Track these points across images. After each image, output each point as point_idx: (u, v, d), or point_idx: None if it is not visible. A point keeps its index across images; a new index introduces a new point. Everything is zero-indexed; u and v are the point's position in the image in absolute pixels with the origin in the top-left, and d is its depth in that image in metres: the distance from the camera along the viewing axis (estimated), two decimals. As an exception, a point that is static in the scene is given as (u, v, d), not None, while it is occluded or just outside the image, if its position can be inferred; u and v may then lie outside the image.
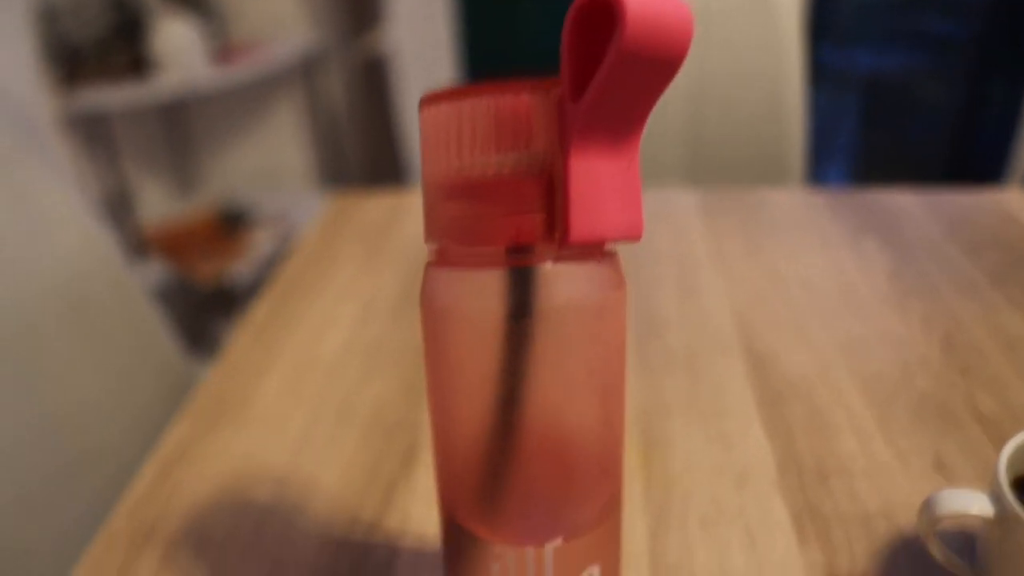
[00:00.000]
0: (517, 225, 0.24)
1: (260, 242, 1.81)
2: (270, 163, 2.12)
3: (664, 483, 0.45)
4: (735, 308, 0.62)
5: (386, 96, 2.02)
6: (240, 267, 1.73)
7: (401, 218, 0.82)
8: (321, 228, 0.80)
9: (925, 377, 0.53)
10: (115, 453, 0.73)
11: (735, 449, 0.48)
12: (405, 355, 0.59)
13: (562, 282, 0.24)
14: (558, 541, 0.29)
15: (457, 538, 0.31)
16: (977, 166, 2.15)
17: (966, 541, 0.40)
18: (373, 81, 2.00)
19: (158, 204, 2.01)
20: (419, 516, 0.44)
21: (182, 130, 2.06)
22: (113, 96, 1.61)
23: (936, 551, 0.36)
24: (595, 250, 0.25)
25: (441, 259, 0.26)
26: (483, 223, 0.25)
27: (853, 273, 0.66)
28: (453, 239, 0.25)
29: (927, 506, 0.35)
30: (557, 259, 0.24)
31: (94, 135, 1.78)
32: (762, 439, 0.48)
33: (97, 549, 0.43)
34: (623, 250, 0.72)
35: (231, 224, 1.85)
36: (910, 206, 0.78)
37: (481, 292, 0.25)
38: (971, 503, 0.34)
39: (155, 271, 1.73)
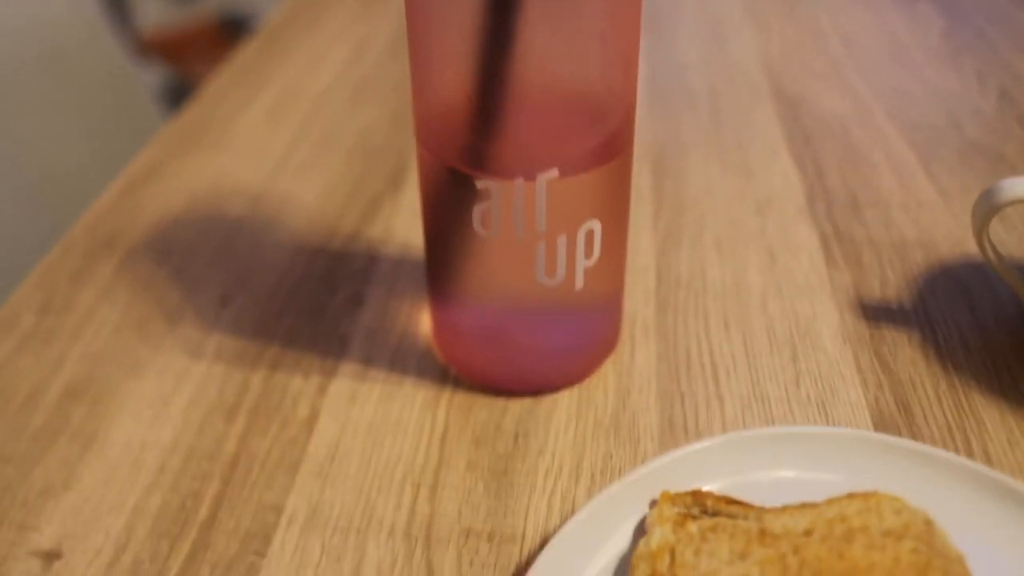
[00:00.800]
0: None
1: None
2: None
3: (676, 207, 0.41)
4: (766, 57, 0.55)
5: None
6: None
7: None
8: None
9: (977, 126, 0.47)
10: (84, 182, 0.69)
11: (758, 179, 0.43)
12: (397, 90, 0.53)
13: None
14: (552, 173, 0.24)
15: (435, 181, 0.26)
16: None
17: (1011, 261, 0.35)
18: None
19: (157, 8, 1.91)
20: (404, 229, 0.40)
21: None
22: None
23: (989, 251, 0.31)
24: None
25: None
26: None
27: (902, 30, 0.59)
28: None
29: (988, 194, 0.29)
30: None
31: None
32: (790, 170, 0.43)
33: (52, 256, 0.39)
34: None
35: (233, 30, 1.76)
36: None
37: None
38: (1041, 187, 0.29)
39: (155, 76, 1.66)
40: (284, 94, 0.53)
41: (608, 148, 0.25)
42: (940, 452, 0.25)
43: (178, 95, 1.65)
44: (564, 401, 0.30)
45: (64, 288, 0.37)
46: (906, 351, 0.32)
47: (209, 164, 0.46)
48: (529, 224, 0.25)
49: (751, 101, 0.50)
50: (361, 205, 0.42)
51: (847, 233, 0.38)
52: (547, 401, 0.30)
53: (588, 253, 0.27)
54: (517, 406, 0.30)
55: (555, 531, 0.25)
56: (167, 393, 0.31)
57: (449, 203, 0.26)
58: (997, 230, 0.38)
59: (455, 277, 0.28)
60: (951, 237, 0.38)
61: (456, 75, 0.23)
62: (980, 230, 0.30)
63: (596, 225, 0.26)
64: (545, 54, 0.22)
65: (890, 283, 0.35)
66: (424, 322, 0.34)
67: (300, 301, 0.35)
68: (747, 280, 0.36)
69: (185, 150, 0.47)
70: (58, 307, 0.36)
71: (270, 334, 0.34)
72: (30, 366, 0.33)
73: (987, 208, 0.29)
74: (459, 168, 0.25)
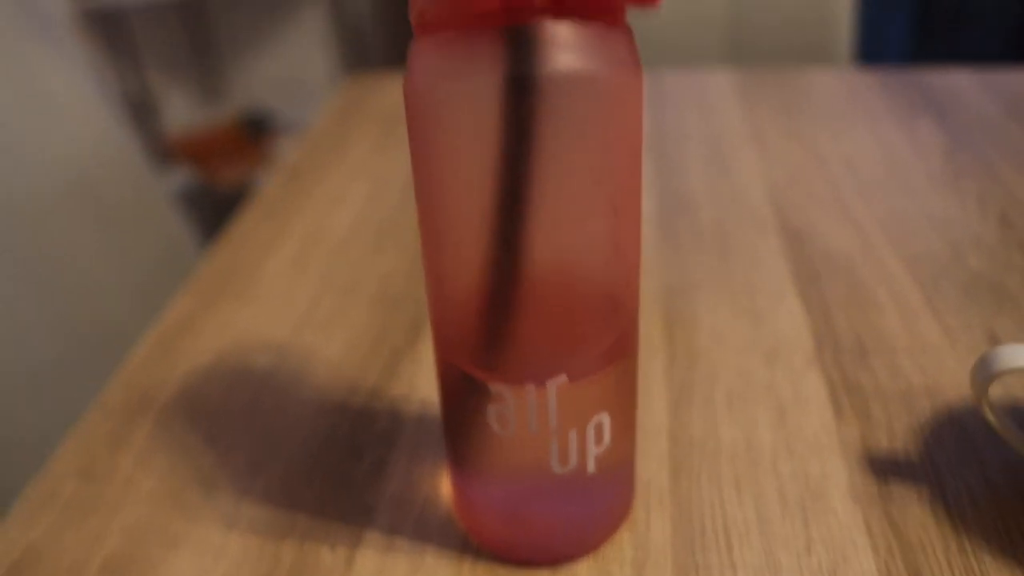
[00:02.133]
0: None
1: (284, 148, 1.77)
2: (294, 69, 2.07)
3: (688, 358, 0.42)
4: (771, 186, 0.57)
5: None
6: (264, 174, 1.70)
7: (419, 101, 0.77)
8: (336, 109, 0.76)
9: (978, 256, 0.48)
10: (122, 331, 0.71)
11: (767, 324, 0.44)
12: (413, 234, 0.55)
13: (565, 42, 0.20)
14: (562, 379, 0.26)
15: (452, 384, 0.28)
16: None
17: (1016, 414, 0.36)
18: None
19: (182, 111, 1.98)
20: (424, 385, 0.41)
21: (205, 35, 2.01)
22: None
23: (989, 413, 0.32)
24: (603, 11, 0.21)
25: (426, 27, 0.22)
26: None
27: (903, 153, 0.61)
28: (438, 1, 0.21)
29: (983, 362, 0.31)
30: (559, 15, 0.20)
31: (113, 35, 1.74)
32: (797, 314, 0.44)
33: (89, 419, 0.41)
34: (652, 131, 0.67)
35: (254, 131, 1.82)
36: (969, 86, 0.71)
37: (473, 58, 0.21)
38: (1035, 360, 0.30)
39: (180, 177, 1.71)
40: (307, 238, 0.55)
41: (613, 351, 0.26)
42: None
43: (201, 197, 1.70)
44: (582, 572, 0.31)
45: (103, 453, 0.39)
46: (915, 511, 0.33)
47: (237, 316, 0.48)
48: (541, 423, 0.27)
49: (758, 236, 0.52)
50: (382, 359, 0.43)
51: (854, 382, 0.39)
52: (564, 573, 0.31)
53: (598, 442, 0.28)
54: (536, 583, 0.31)
55: None
56: (205, 569, 0.32)
57: (465, 401, 0.28)
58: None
59: (472, 463, 0.29)
60: (956, 382, 0.39)
61: (467, 291, 0.25)
62: (979, 398, 0.31)
63: (605, 418, 0.28)
64: (552, 264, 0.24)
65: (897, 436, 0.36)
66: (445, 488, 0.35)
67: (326, 467, 0.37)
68: (758, 438, 0.37)
69: (214, 300, 0.50)
70: (98, 474, 0.37)
71: (299, 503, 0.35)
72: (72, 540, 0.34)
73: (983, 378, 0.31)
74: (473, 374, 0.26)
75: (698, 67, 1.08)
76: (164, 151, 1.79)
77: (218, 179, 1.68)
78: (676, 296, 0.47)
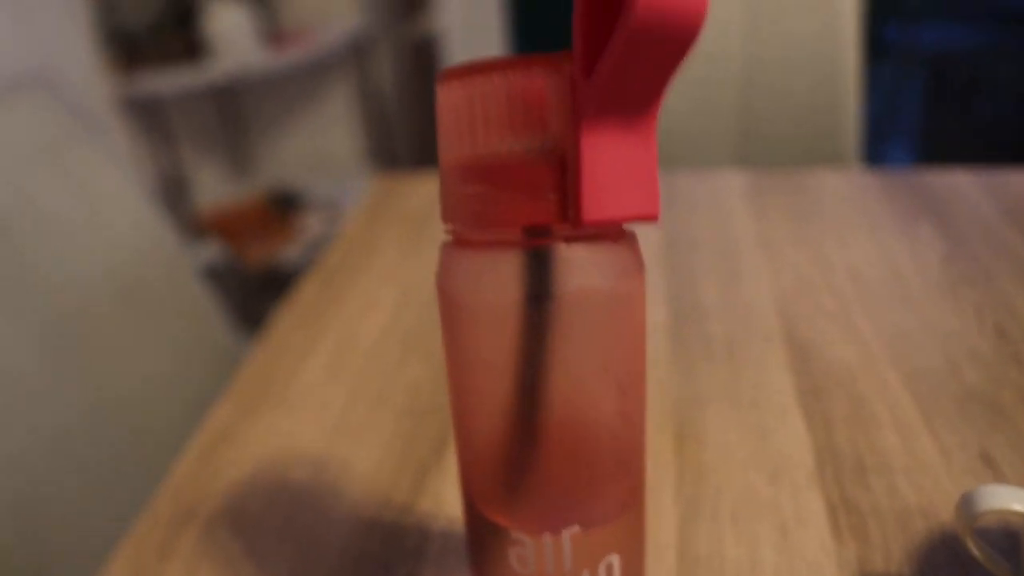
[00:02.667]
0: (531, 206, 0.24)
1: (310, 225, 1.83)
2: (321, 147, 2.15)
3: (697, 474, 0.45)
4: (778, 296, 0.60)
5: (435, 79, 2.02)
6: (291, 250, 1.75)
7: (443, 201, 0.82)
8: (366, 210, 0.81)
9: (974, 370, 0.51)
10: (168, 433, 0.75)
11: (771, 440, 0.47)
12: (439, 344, 0.59)
13: (578, 263, 0.24)
14: (575, 529, 0.29)
15: (477, 525, 0.31)
16: (1047, 150, 2.07)
17: (1010, 539, 0.38)
18: (422, 64, 2.01)
19: (212, 187, 2.05)
20: (451, 500, 0.44)
21: (235, 114, 2.09)
22: (168, 80, 1.64)
23: (975, 549, 0.34)
24: (611, 231, 0.25)
25: (457, 240, 0.26)
26: (497, 205, 0.24)
27: (904, 260, 0.64)
28: (467, 221, 0.25)
29: (965, 502, 0.33)
30: (572, 240, 0.24)
31: (150, 119, 1.82)
32: (800, 431, 0.47)
33: (140, 528, 0.44)
34: (661, 235, 0.70)
35: (282, 207, 1.88)
36: (967, 187, 0.75)
37: (496, 274, 0.24)
38: (1012, 499, 0.32)
39: (209, 253, 1.77)
40: (340, 344, 0.59)
41: (623, 504, 0.29)
42: None
43: (229, 272, 1.76)
44: None
45: (153, 565, 0.42)
46: (911, 635, 0.35)
47: (275, 425, 0.51)
48: (557, 565, 0.29)
49: (765, 348, 0.54)
50: (410, 474, 0.46)
51: (853, 501, 0.42)
52: None
53: (610, 577, 0.31)
54: None
55: None
56: None
57: (489, 542, 0.30)
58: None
59: (496, 593, 0.32)
60: (950, 503, 0.41)
61: (491, 455, 0.28)
62: (964, 534, 0.34)
63: (615, 559, 0.30)
64: (567, 435, 0.27)
65: (893, 558, 0.39)
66: (469, 607, 0.38)
67: (358, 584, 0.40)
68: (761, 557, 0.39)
69: (253, 408, 0.53)
70: (145, 589, 0.40)
71: (332, 621, 0.38)
72: (122, 656, 0.37)
73: (967, 518, 0.33)
74: (497, 521, 0.29)
75: (709, 158, 1.12)
76: (194, 226, 1.85)
77: (246, 254, 1.74)
78: (686, 409, 0.49)
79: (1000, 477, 0.43)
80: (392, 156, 2.18)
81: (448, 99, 0.25)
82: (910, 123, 2.28)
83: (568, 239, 0.24)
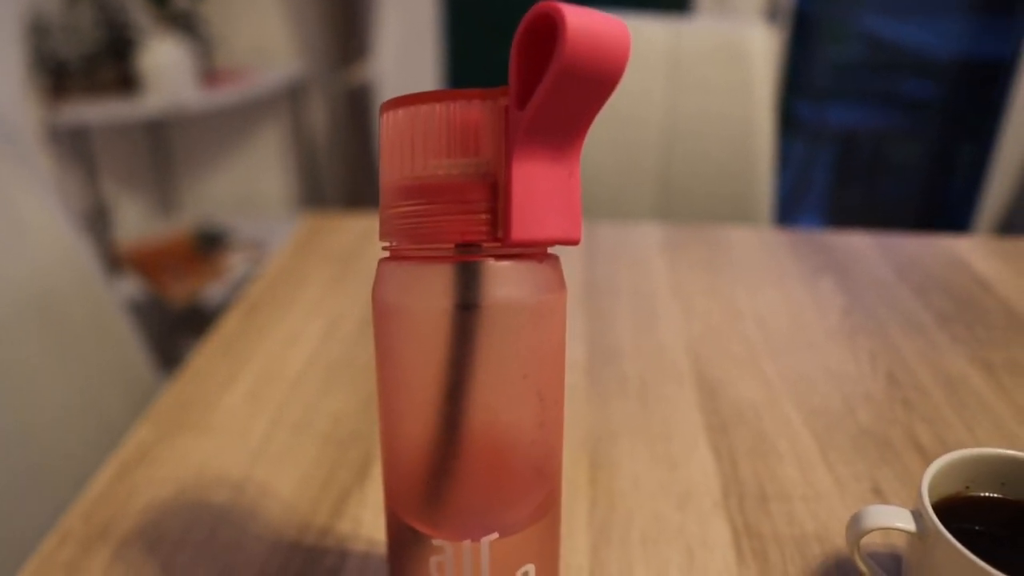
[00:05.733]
0: (464, 224, 0.26)
1: (234, 265, 1.81)
2: (250, 188, 2.14)
3: (609, 501, 0.47)
4: (690, 340, 0.64)
5: (368, 126, 2.05)
6: (213, 288, 1.73)
7: (371, 240, 0.83)
8: (293, 246, 0.82)
9: (867, 410, 0.55)
10: (79, 461, 0.73)
11: (680, 471, 0.49)
12: (365, 372, 0.60)
13: (505, 278, 0.26)
14: (494, 536, 0.30)
15: (399, 533, 0.32)
16: (944, 222, 2.21)
17: (893, 561, 0.42)
18: (356, 110, 2.03)
19: (136, 222, 2.01)
20: (370, 524, 0.45)
21: (165, 150, 2.07)
22: (98, 111, 1.62)
23: (862, 565, 0.37)
24: (536, 251, 0.27)
25: (393, 255, 0.27)
26: (432, 222, 0.26)
27: (807, 310, 0.68)
28: (405, 237, 0.27)
29: (854, 520, 0.36)
30: (500, 257, 0.26)
31: (77, 150, 1.78)
32: (708, 462, 0.50)
33: (48, 546, 0.44)
34: (583, 280, 0.73)
35: (207, 245, 1.86)
36: (866, 248, 0.80)
37: (429, 285, 0.26)
38: (895, 518, 0.35)
39: (128, 288, 1.73)
40: (263, 373, 0.59)
41: (538, 511, 0.31)
42: None
43: (148, 309, 1.72)
44: None
45: (60, 586, 0.41)
46: (804, 650, 0.37)
47: (194, 448, 0.51)
48: (476, 573, 0.31)
49: (676, 387, 0.57)
50: (331, 498, 0.47)
51: (755, 528, 0.44)
52: None
53: (526, 587, 0.32)
54: None
55: None
56: None
57: (410, 551, 0.32)
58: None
59: (415, 604, 0.33)
60: (843, 527, 0.44)
61: (415, 460, 0.30)
62: (851, 550, 0.36)
63: (531, 568, 0.32)
64: (487, 440, 0.29)
65: (791, 580, 0.41)
66: (387, 624, 0.39)
67: (276, 603, 0.40)
68: (669, 579, 0.41)
69: (172, 431, 0.53)
70: (55, 608, 0.40)
71: (249, 638, 0.38)
72: (28, 674, 0.36)
73: (855, 533, 0.36)
74: (419, 528, 0.31)
75: (630, 211, 1.17)
76: (112, 260, 1.81)
77: (168, 291, 1.71)
78: (600, 442, 0.52)
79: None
80: (320, 200, 2.18)
81: (392, 124, 0.27)
82: (819, 193, 2.42)
83: (496, 256, 0.26)
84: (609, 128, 1.13)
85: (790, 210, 2.37)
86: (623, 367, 0.60)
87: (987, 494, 0.37)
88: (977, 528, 0.36)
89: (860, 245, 0.81)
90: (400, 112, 0.26)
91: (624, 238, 0.84)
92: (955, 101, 2.17)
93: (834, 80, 2.29)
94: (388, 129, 0.27)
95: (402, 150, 0.27)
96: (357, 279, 0.74)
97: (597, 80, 0.24)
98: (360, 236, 0.84)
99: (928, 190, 2.26)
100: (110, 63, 1.70)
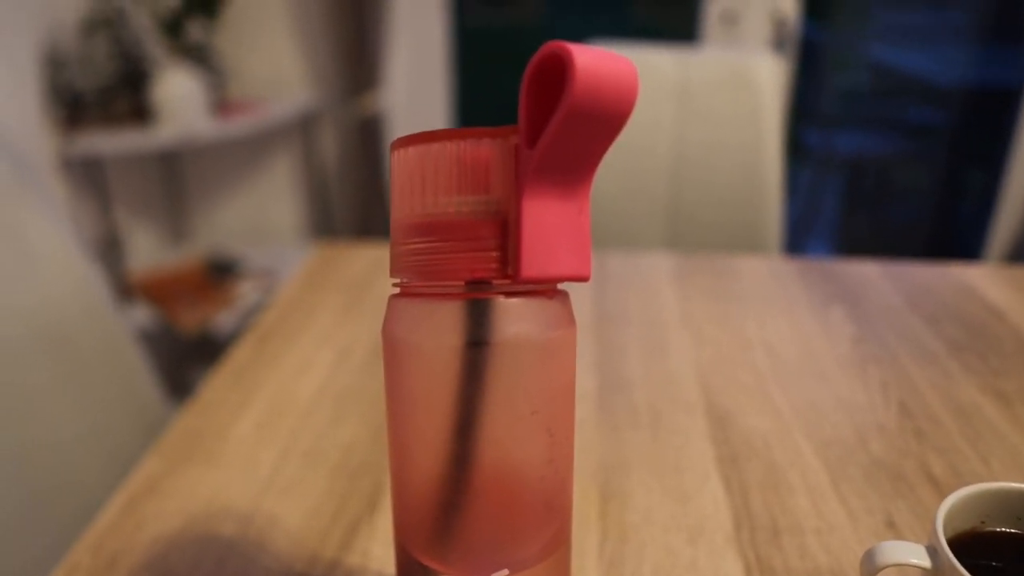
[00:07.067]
0: (474, 262, 0.26)
1: (245, 293, 1.82)
2: (261, 217, 2.15)
3: (620, 534, 0.46)
4: (700, 369, 0.64)
5: (378, 156, 2.06)
6: (224, 317, 1.74)
7: (383, 270, 0.84)
8: (305, 276, 0.82)
9: (879, 441, 0.54)
10: (88, 490, 0.73)
11: (692, 504, 0.49)
12: (375, 402, 0.60)
13: (515, 315, 0.26)
14: (504, 573, 0.30)
15: (409, 568, 0.32)
16: (954, 249, 2.21)
17: (909, 598, 0.41)
18: (367, 140, 2.05)
19: (148, 251, 2.03)
20: (379, 557, 0.45)
21: (178, 180, 2.09)
22: (112, 142, 1.64)
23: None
24: (546, 288, 0.27)
25: (404, 291, 0.28)
26: (443, 259, 0.27)
27: (817, 339, 0.68)
28: (415, 274, 0.27)
29: (868, 556, 0.36)
30: (510, 294, 0.26)
31: (91, 179, 1.80)
32: (719, 495, 0.49)
33: (57, 577, 0.44)
34: (593, 310, 0.74)
35: (218, 274, 1.87)
36: (876, 277, 0.80)
37: (439, 322, 0.26)
38: (910, 554, 0.35)
39: (140, 317, 1.74)
40: (273, 403, 0.60)
41: (548, 548, 0.31)
42: None
43: (159, 338, 1.72)
44: None
45: (69, 619, 0.41)
46: None
47: (203, 480, 0.51)
48: (486, 608, 0.31)
49: (687, 418, 0.57)
50: (341, 529, 0.47)
51: (767, 562, 0.44)
52: None
53: (536, 623, 0.32)
54: None
55: None
56: None
57: (420, 586, 0.32)
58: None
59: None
60: (857, 562, 0.44)
61: (425, 495, 0.30)
62: (866, 587, 0.36)
63: (542, 603, 0.32)
64: (497, 476, 0.29)
65: (804, 615, 0.41)
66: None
67: (285, 637, 0.40)
68: (680, 614, 0.41)
69: (181, 462, 0.53)
70: (64, 642, 0.40)
71: (257, 673, 0.38)
72: None
73: (869, 570, 0.35)
74: (428, 564, 0.31)
75: (640, 241, 1.17)
76: (124, 289, 1.82)
77: (179, 320, 1.71)
78: (611, 473, 0.51)
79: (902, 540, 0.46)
80: (331, 229, 2.19)
81: (403, 162, 0.27)
82: (828, 221, 2.42)
83: (507, 293, 0.26)
84: (618, 157, 1.14)
85: (799, 238, 2.37)
86: (633, 397, 0.60)
87: (1003, 529, 0.37)
88: (994, 564, 0.35)
89: (870, 274, 0.81)
90: (411, 150, 0.27)
91: (634, 267, 0.84)
92: (964, 128, 2.17)
93: (842, 108, 2.30)
94: (399, 167, 0.27)
95: (412, 188, 0.27)
96: (368, 308, 0.75)
97: (606, 119, 0.24)
98: (371, 265, 0.85)
99: (937, 217, 2.26)
100: (125, 95, 1.72)
